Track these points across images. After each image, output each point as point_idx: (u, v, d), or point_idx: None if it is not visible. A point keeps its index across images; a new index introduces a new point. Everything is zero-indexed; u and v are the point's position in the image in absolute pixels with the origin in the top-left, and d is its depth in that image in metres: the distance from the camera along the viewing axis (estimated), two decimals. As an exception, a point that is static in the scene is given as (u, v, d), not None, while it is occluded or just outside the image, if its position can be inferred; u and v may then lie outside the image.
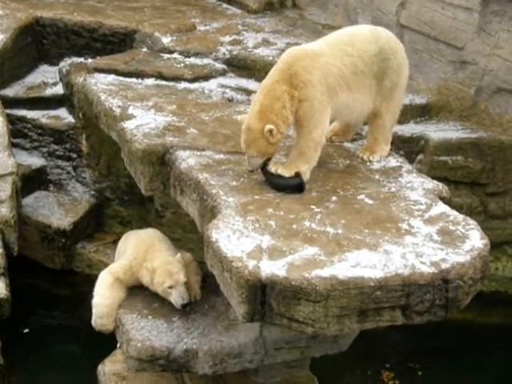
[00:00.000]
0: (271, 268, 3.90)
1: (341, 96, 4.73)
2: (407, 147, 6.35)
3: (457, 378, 5.85)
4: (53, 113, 7.20)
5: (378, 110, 4.95)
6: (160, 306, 4.88)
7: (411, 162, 5.89)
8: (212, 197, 4.56)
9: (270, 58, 6.87)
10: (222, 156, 5.04)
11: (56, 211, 6.85)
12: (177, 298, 4.76)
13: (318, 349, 4.86)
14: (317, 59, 4.59)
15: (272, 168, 4.62)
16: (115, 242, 5.82)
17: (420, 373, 5.90)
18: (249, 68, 6.83)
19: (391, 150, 5.23)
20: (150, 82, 6.55)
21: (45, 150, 7.14)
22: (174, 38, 7.27)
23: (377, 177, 4.88)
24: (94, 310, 4.98)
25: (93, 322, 4.99)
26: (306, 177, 4.64)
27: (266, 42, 7.25)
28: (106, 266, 5.44)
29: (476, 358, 6.00)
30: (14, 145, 6.73)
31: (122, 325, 4.76)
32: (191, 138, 5.30)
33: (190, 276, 4.97)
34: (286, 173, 4.61)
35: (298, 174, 4.61)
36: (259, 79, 6.73)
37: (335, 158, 5.05)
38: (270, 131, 4.49)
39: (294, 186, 4.60)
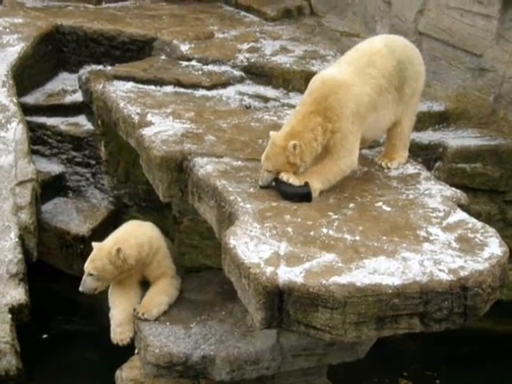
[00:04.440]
0: (289, 275, 3.90)
1: (368, 119, 4.79)
2: (425, 154, 6.33)
3: (475, 387, 5.82)
4: (72, 120, 7.26)
5: (398, 118, 4.96)
6: (178, 313, 4.90)
7: (429, 169, 5.87)
8: (230, 203, 4.58)
9: (288, 65, 6.89)
10: (239, 163, 5.05)
11: (75, 217, 6.89)
12: None
13: (336, 356, 4.85)
14: (350, 91, 4.63)
15: (284, 176, 4.62)
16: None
17: (438, 381, 5.86)
18: (266, 75, 6.85)
19: (409, 157, 5.22)
20: (169, 89, 6.59)
21: (64, 156, 7.19)
22: (193, 45, 7.31)
23: (395, 184, 4.88)
24: (111, 322, 5.01)
25: (111, 333, 4.99)
26: (315, 194, 4.62)
27: (283, 50, 7.27)
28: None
29: (494, 367, 5.95)
30: (33, 152, 6.79)
31: (140, 331, 4.77)
32: (209, 144, 5.32)
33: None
34: (297, 182, 4.61)
35: (306, 184, 4.60)
36: (277, 86, 6.78)
37: (353, 165, 5.04)
38: (294, 147, 4.52)
39: (301, 195, 4.59)
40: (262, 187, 4.71)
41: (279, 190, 4.65)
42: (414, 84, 4.93)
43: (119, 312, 4.96)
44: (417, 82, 4.95)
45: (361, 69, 4.74)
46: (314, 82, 4.73)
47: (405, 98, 4.91)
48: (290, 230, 4.28)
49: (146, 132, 5.53)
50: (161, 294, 4.93)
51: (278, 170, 4.64)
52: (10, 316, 5.52)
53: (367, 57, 4.80)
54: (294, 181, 4.61)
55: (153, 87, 6.60)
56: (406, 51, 4.90)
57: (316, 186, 4.61)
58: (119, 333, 4.94)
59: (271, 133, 4.73)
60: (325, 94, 4.60)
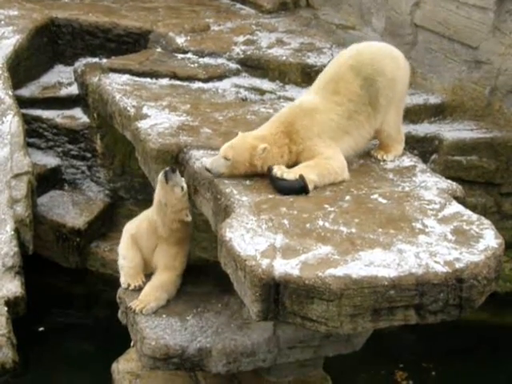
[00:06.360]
0: (285, 267, 3.91)
1: (342, 143, 4.83)
2: (421, 147, 6.34)
3: (470, 379, 5.83)
4: (68, 113, 7.24)
5: (378, 127, 4.96)
6: (174, 305, 4.89)
7: (425, 161, 5.88)
8: (226, 196, 4.58)
9: (284, 57, 6.89)
10: (235, 155, 5.04)
11: (71, 210, 6.89)
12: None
13: (332, 348, 4.86)
14: (314, 118, 4.75)
15: (278, 172, 4.62)
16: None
17: (434, 373, 5.87)
18: (262, 68, 6.85)
19: (405, 149, 5.22)
20: (164, 81, 6.59)
21: (60, 149, 7.18)
22: (188, 38, 7.30)
23: (391, 176, 4.88)
24: (122, 272, 5.02)
25: (122, 283, 4.99)
26: (310, 186, 4.60)
27: (279, 42, 7.26)
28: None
29: (490, 359, 5.97)
30: (29, 144, 6.78)
31: (136, 323, 4.77)
32: (205, 137, 5.32)
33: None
34: (291, 176, 4.60)
35: (301, 177, 4.59)
36: (273, 79, 6.79)
37: (349, 158, 5.04)
38: (264, 150, 4.61)
39: (297, 189, 4.56)
40: (207, 170, 4.71)
41: (274, 186, 4.63)
42: (390, 93, 4.90)
43: (129, 268, 4.97)
44: (393, 89, 4.91)
45: (326, 97, 4.83)
46: (284, 108, 4.94)
47: (381, 109, 4.89)
48: (286, 222, 4.28)
49: (142, 125, 5.53)
50: (161, 290, 4.91)
51: (234, 165, 4.65)
52: (5, 309, 5.53)
53: (333, 84, 4.86)
54: (288, 175, 4.60)
55: (148, 80, 6.59)
56: (374, 65, 4.86)
57: (311, 177, 4.61)
58: (131, 282, 4.93)
59: (240, 134, 4.78)
60: (292, 120, 4.76)
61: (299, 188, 4.57)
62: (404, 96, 5.11)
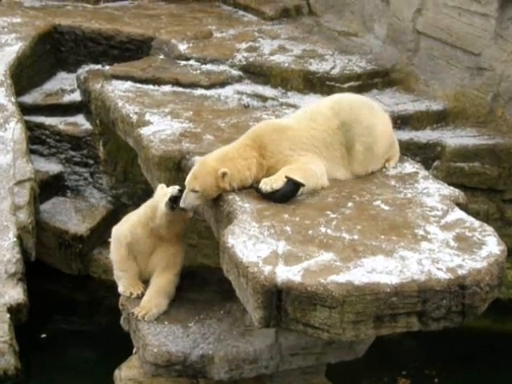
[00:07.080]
0: (287, 273, 3.90)
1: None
2: (423, 153, 6.34)
3: (473, 386, 5.83)
4: (70, 119, 7.27)
5: (361, 173, 4.92)
6: (176, 312, 4.89)
7: (428, 168, 5.88)
8: (228, 202, 4.58)
9: (286, 64, 6.91)
10: (238, 162, 5.04)
11: (73, 217, 6.90)
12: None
13: (334, 355, 4.85)
14: (285, 133, 4.73)
15: (266, 188, 4.53)
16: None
17: (436, 380, 5.86)
18: (265, 74, 6.86)
19: (406, 155, 5.23)
20: (167, 88, 6.61)
21: (62, 156, 7.20)
22: (191, 44, 7.32)
23: (393, 183, 4.88)
24: (120, 282, 5.03)
25: (123, 292, 5.01)
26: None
27: (282, 49, 7.28)
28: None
29: (492, 366, 5.96)
30: (32, 151, 6.80)
31: (139, 330, 4.77)
32: (207, 144, 5.32)
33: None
34: (280, 183, 4.53)
35: (287, 178, 4.51)
36: (275, 86, 6.80)
37: (351, 164, 5.04)
38: (224, 174, 4.54)
39: (292, 190, 4.51)
40: (182, 209, 4.68)
41: (273, 200, 4.54)
42: (366, 139, 4.85)
43: (127, 278, 4.99)
44: (370, 135, 4.86)
45: (303, 122, 4.82)
46: (255, 126, 4.89)
47: (358, 155, 4.84)
48: (288, 228, 4.28)
49: (145, 131, 5.54)
50: (161, 295, 4.90)
51: (204, 192, 4.58)
52: (8, 315, 5.53)
53: (310, 114, 4.87)
54: (276, 185, 4.53)
55: (151, 87, 6.62)
56: (351, 113, 4.85)
57: (299, 178, 4.56)
58: (132, 291, 4.95)
59: (197, 157, 4.73)
60: (261, 135, 4.73)
61: (292, 189, 4.53)
62: (386, 141, 5.00)
